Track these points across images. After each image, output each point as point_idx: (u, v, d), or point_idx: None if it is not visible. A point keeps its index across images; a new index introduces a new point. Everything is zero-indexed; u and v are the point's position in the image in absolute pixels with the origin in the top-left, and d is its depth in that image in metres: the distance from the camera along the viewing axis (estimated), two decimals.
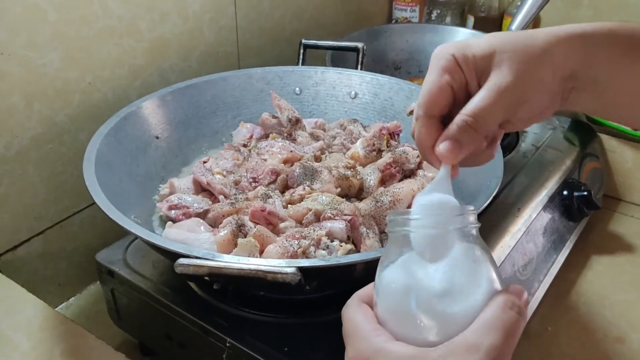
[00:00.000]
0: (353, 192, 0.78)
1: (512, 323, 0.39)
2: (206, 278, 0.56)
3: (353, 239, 0.67)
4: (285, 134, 0.88)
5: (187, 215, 0.73)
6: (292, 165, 0.80)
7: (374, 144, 0.83)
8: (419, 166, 0.82)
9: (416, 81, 1.12)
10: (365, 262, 0.56)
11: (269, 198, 0.73)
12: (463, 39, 1.16)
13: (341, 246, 0.65)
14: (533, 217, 0.89)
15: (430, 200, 0.44)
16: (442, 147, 0.45)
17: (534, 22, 1.26)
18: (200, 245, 0.65)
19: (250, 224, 0.68)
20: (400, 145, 0.85)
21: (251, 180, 0.78)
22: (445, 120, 0.47)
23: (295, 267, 0.52)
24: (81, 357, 0.65)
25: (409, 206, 0.72)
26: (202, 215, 0.73)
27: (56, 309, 0.76)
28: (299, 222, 0.71)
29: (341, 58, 1.08)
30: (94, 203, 0.62)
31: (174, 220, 0.73)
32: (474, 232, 0.43)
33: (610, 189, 1.18)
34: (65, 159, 0.86)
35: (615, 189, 1.18)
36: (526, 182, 0.96)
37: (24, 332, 0.68)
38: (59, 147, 0.84)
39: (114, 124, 0.77)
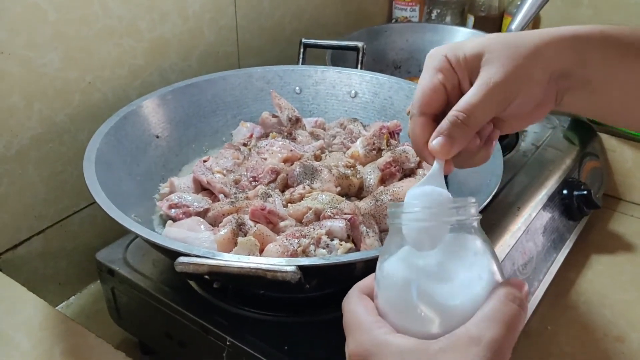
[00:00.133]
0: (353, 191, 0.78)
1: (514, 316, 0.39)
2: (206, 277, 0.56)
3: (353, 238, 0.67)
4: (286, 133, 0.88)
5: (187, 214, 0.73)
6: (292, 164, 0.80)
7: (374, 143, 0.83)
8: (419, 165, 0.82)
9: (416, 80, 1.11)
10: (365, 261, 0.56)
11: (269, 197, 0.73)
12: (463, 38, 1.17)
13: (341, 245, 0.65)
14: (533, 216, 0.89)
15: (423, 191, 0.45)
16: (434, 142, 0.46)
17: (534, 21, 1.26)
18: (201, 244, 0.65)
19: (251, 223, 0.68)
20: (400, 145, 0.85)
21: (251, 179, 0.78)
22: (440, 119, 0.48)
23: (295, 265, 0.52)
24: (81, 356, 0.65)
25: None
26: (202, 214, 0.73)
27: (56, 308, 0.76)
28: (299, 221, 0.71)
29: (341, 57, 1.08)
30: (94, 202, 0.62)
31: (174, 219, 0.73)
32: (475, 224, 0.43)
33: (610, 188, 1.18)
34: (65, 159, 0.86)
35: (615, 188, 1.18)
36: (526, 181, 0.96)
37: (24, 331, 0.68)
38: (59, 146, 0.84)
39: (114, 123, 0.77)
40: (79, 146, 0.82)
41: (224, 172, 0.80)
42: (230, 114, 0.94)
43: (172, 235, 0.68)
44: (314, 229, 0.66)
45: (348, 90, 0.98)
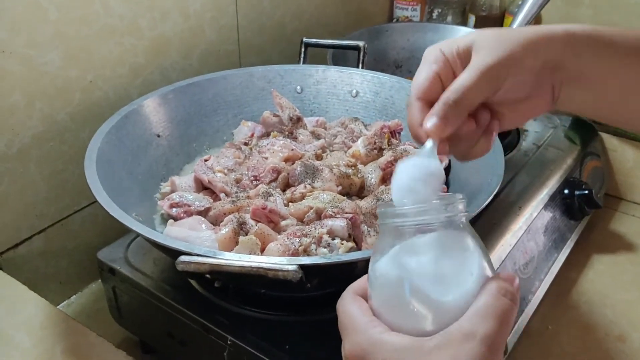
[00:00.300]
0: (354, 190, 0.78)
1: (506, 310, 0.40)
2: (207, 276, 0.56)
3: (354, 237, 0.67)
4: (287, 133, 0.88)
5: (189, 213, 0.73)
6: (293, 164, 0.80)
7: (375, 143, 0.83)
8: None
9: None
10: (367, 260, 0.56)
11: (270, 196, 0.73)
12: None
13: (342, 244, 0.65)
14: (534, 215, 0.89)
15: (414, 163, 0.47)
16: (428, 123, 0.48)
17: (535, 21, 1.26)
18: (202, 243, 0.65)
19: (252, 222, 0.68)
20: (402, 144, 0.85)
21: (252, 178, 0.78)
22: None
23: (297, 264, 0.52)
24: (82, 355, 0.65)
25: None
26: (204, 213, 0.73)
27: (57, 307, 0.76)
28: (300, 220, 0.71)
29: (342, 57, 1.08)
30: (95, 201, 0.62)
31: (175, 218, 0.73)
32: (464, 220, 0.43)
33: (611, 188, 1.18)
34: (66, 158, 0.86)
35: (616, 187, 1.18)
36: (527, 180, 0.96)
37: (25, 330, 0.68)
38: (60, 145, 0.84)
39: (115, 122, 0.77)
40: (80, 145, 0.82)
41: (225, 171, 0.80)
42: (231, 113, 0.94)
43: (173, 235, 0.68)
44: (315, 228, 0.66)
45: (349, 89, 0.97)
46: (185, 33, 0.98)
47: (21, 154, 0.80)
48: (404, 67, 1.29)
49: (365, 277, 0.46)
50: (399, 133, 0.87)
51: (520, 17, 1.01)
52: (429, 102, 0.49)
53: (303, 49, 1.01)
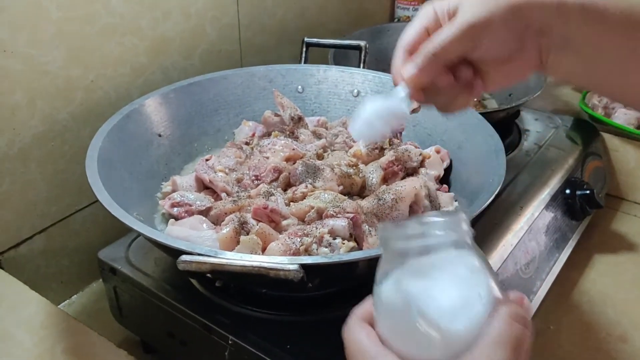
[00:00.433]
0: (355, 190, 0.78)
1: (519, 337, 0.39)
2: (208, 275, 0.56)
3: (355, 237, 0.67)
4: (288, 132, 0.88)
5: (190, 213, 0.73)
6: (294, 163, 0.80)
7: (376, 142, 0.83)
8: (422, 164, 0.82)
9: None
10: (368, 260, 0.56)
11: (271, 196, 0.73)
12: None
13: (343, 244, 0.65)
14: (535, 215, 0.89)
15: (381, 101, 0.52)
16: (405, 70, 0.52)
17: None
18: (203, 243, 0.65)
19: (253, 222, 0.68)
20: (403, 144, 0.85)
21: (253, 178, 0.78)
22: None
23: (298, 264, 0.52)
24: (83, 354, 0.65)
25: (410, 205, 0.72)
26: (205, 212, 0.73)
27: (58, 307, 0.76)
28: (302, 219, 0.71)
29: (343, 56, 1.08)
30: (96, 201, 0.62)
31: (177, 218, 0.73)
32: (469, 240, 0.42)
33: (613, 188, 1.18)
34: (67, 157, 0.86)
35: (617, 188, 1.18)
36: (529, 180, 0.96)
37: (27, 329, 0.68)
38: (61, 145, 0.84)
39: (116, 121, 0.77)
40: (82, 144, 0.82)
41: (227, 170, 0.80)
42: (232, 113, 0.94)
43: (174, 234, 0.68)
44: (317, 228, 0.66)
45: (350, 89, 0.97)
46: (187, 33, 0.98)
47: (22, 153, 0.80)
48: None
49: (369, 300, 0.45)
50: (400, 133, 0.87)
51: None
52: (413, 52, 0.53)
53: (304, 49, 1.00)
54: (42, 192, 0.84)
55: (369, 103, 0.56)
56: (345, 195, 0.75)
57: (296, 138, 0.87)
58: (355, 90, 0.97)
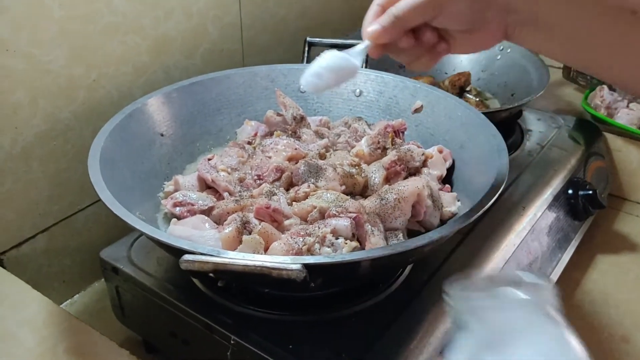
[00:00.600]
0: (358, 189, 0.78)
1: None
2: (211, 275, 0.56)
3: (358, 237, 0.67)
4: (290, 132, 0.88)
5: (192, 213, 0.72)
6: (296, 163, 0.80)
7: (378, 142, 0.83)
8: (424, 164, 0.81)
9: (420, 79, 1.11)
10: (371, 260, 0.56)
11: (273, 195, 0.73)
12: None
13: (346, 244, 0.64)
14: (538, 215, 0.89)
15: (335, 54, 0.56)
16: (369, 27, 0.56)
17: None
18: (205, 242, 0.65)
19: (255, 221, 0.68)
20: (405, 143, 0.84)
21: (256, 177, 0.78)
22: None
23: (301, 263, 0.52)
24: (85, 354, 0.65)
25: (413, 205, 0.72)
26: (207, 212, 0.73)
27: (61, 306, 0.76)
28: (304, 219, 0.71)
29: None
30: (99, 200, 0.62)
31: (179, 217, 0.73)
32: (551, 310, 0.38)
33: (615, 188, 1.18)
34: (69, 156, 0.86)
35: (620, 188, 1.18)
36: (531, 180, 0.96)
37: (29, 328, 0.68)
38: (64, 144, 0.84)
39: (118, 121, 0.77)
40: (84, 144, 0.82)
41: (229, 170, 0.80)
42: (234, 113, 0.94)
43: (176, 234, 0.68)
44: (319, 228, 0.66)
45: (353, 89, 0.97)
46: (189, 32, 0.98)
47: (24, 152, 0.80)
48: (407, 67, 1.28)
49: None
50: (403, 132, 0.87)
51: None
52: (386, 9, 0.56)
53: (306, 48, 1.00)
54: (44, 191, 0.84)
55: (323, 55, 0.60)
56: (347, 195, 0.75)
57: (298, 138, 0.87)
58: (358, 90, 0.97)
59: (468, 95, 1.22)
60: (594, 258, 1.02)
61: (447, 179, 0.83)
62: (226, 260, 0.53)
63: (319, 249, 0.63)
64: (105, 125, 0.76)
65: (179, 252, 0.55)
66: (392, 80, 0.95)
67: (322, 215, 0.69)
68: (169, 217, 0.75)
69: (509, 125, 1.12)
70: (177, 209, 0.73)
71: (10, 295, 0.72)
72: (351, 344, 0.64)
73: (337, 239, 0.65)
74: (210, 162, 0.81)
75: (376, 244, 0.65)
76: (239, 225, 0.66)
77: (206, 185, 0.79)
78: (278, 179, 0.77)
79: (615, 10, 0.47)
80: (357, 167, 0.80)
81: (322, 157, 0.84)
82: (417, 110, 0.91)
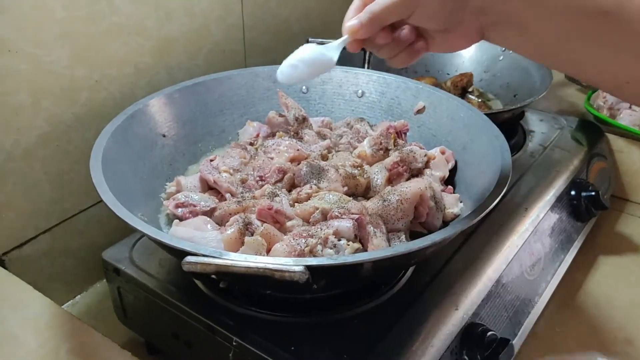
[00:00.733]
0: (360, 191, 0.78)
1: None
2: (213, 276, 0.56)
3: (360, 238, 0.67)
4: (292, 133, 0.88)
5: (194, 214, 0.72)
6: (298, 164, 0.80)
7: (381, 143, 0.83)
8: (427, 165, 0.81)
9: (423, 80, 1.11)
10: (373, 262, 0.56)
11: (275, 196, 0.73)
12: None
13: (348, 245, 0.64)
14: (541, 216, 0.88)
15: (312, 48, 0.59)
16: (349, 22, 0.58)
17: None
18: (207, 244, 0.65)
19: (257, 223, 0.68)
20: (408, 145, 0.84)
21: (258, 178, 0.78)
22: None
23: (303, 265, 0.52)
24: (87, 355, 0.65)
25: (415, 206, 0.72)
26: (209, 213, 0.72)
27: (62, 307, 0.76)
28: (306, 220, 0.71)
29: (348, 57, 1.07)
30: (101, 201, 0.62)
31: (181, 219, 0.73)
32: None
33: (618, 190, 1.17)
34: (71, 157, 0.86)
35: (622, 189, 1.18)
36: (533, 181, 0.96)
37: (31, 329, 0.68)
38: (66, 145, 0.84)
39: (120, 122, 0.77)
40: (86, 145, 0.82)
41: (231, 171, 0.79)
42: (236, 113, 0.94)
43: (178, 235, 0.68)
44: (321, 229, 0.66)
45: (355, 89, 0.97)
46: (192, 33, 0.98)
47: (27, 153, 0.80)
48: (409, 68, 1.28)
49: None
50: (405, 133, 0.87)
51: None
52: (367, 5, 0.57)
53: None
54: (47, 192, 0.84)
55: (301, 48, 0.63)
56: (349, 196, 0.75)
57: (300, 139, 0.87)
58: (360, 91, 0.97)
59: (470, 96, 1.22)
60: (596, 259, 1.02)
61: (450, 181, 0.82)
62: (229, 262, 0.53)
63: (322, 251, 0.63)
64: (107, 126, 0.76)
65: (181, 253, 0.55)
66: (394, 81, 0.95)
67: (325, 216, 0.69)
68: (171, 218, 0.75)
69: (511, 126, 1.12)
70: (179, 210, 0.73)
71: (12, 296, 0.72)
72: (353, 346, 0.64)
73: (339, 240, 0.65)
74: (212, 163, 0.81)
75: (378, 246, 0.65)
76: (241, 226, 0.66)
77: (208, 187, 0.79)
78: (280, 180, 0.77)
79: (589, 11, 0.48)
80: (359, 168, 0.80)
81: (324, 158, 0.84)
82: (419, 111, 0.91)
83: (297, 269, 0.51)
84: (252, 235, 0.66)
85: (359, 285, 0.71)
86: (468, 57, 1.27)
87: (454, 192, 0.79)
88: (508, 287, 0.79)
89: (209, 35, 1.02)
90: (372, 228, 0.67)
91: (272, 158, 0.81)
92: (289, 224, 0.69)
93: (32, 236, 0.84)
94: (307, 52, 0.62)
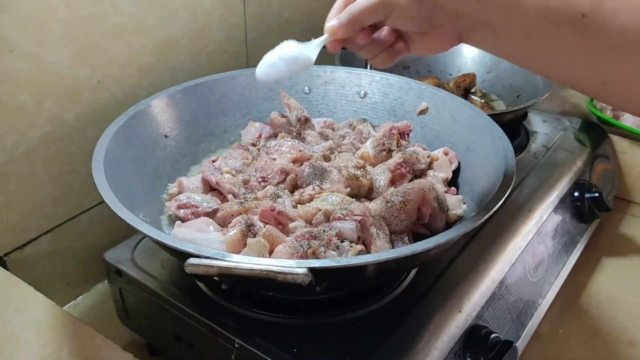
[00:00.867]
0: (363, 192, 0.78)
1: None
2: (215, 278, 0.55)
3: (363, 240, 0.66)
4: (294, 133, 0.88)
5: (196, 215, 0.72)
6: (301, 165, 0.79)
7: (384, 144, 0.83)
8: (430, 166, 0.81)
9: (425, 81, 1.11)
10: (377, 264, 0.56)
11: (278, 198, 0.72)
12: None
13: (351, 247, 0.64)
14: (544, 218, 0.88)
15: (292, 46, 0.60)
16: (329, 22, 0.59)
17: None
18: (209, 245, 0.65)
19: (260, 224, 0.68)
20: (411, 145, 0.84)
21: (260, 179, 0.78)
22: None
23: (307, 267, 0.51)
24: (89, 356, 0.65)
25: (418, 207, 0.71)
26: (211, 214, 0.72)
27: (64, 308, 0.76)
28: (309, 222, 0.70)
29: (350, 57, 1.07)
30: (102, 202, 0.62)
31: (183, 220, 0.72)
32: None
33: (621, 191, 1.17)
34: (74, 158, 0.85)
35: (625, 190, 1.17)
36: (537, 183, 0.95)
37: (32, 330, 0.67)
38: (68, 145, 0.84)
39: (123, 122, 0.77)
40: (88, 145, 0.81)
41: (233, 172, 0.79)
42: (239, 114, 0.94)
43: (180, 236, 0.67)
44: (324, 231, 0.65)
45: (357, 90, 0.97)
46: (194, 33, 0.98)
47: (29, 154, 0.79)
48: (412, 68, 1.28)
49: None
50: (408, 134, 0.86)
51: None
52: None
53: None
54: (48, 192, 0.84)
55: (281, 45, 0.64)
56: (352, 197, 0.75)
57: (303, 139, 0.86)
58: (362, 92, 0.97)
59: (473, 96, 1.21)
60: (599, 261, 1.01)
61: (453, 182, 0.82)
62: (231, 265, 0.53)
63: (324, 252, 0.63)
64: (110, 126, 0.76)
65: (183, 255, 0.54)
66: (397, 82, 0.94)
67: (327, 217, 0.69)
68: (173, 219, 0.74)
69: (514, 127, 1.11)
70: (181, 211, 0.73)
71: (13, 297, 0.72)
72: (356, 348, 0.64)
73: (342, 242, 0.64)
74: (214, 163, 0.80)
75: (382, 248, 0.65)
76: (244, 227, 0.66)
77: (210, 187, 0.79)
78: (283, 181, 0.77)
79: (566, 14, 0.48)
80: (362, 170, 0.79)
81: (326, 159, 0.84)
82: (422, 112, 0.91)
83: (300, 271, 0.51)
84: (254, 236, 0.65)
85: (362, 287, 0.71)
86: (471, 58, 1.27)
87: (457, 194, 0.79)
88: (511, 288, 0.78)
89: (211, 35, 1.01)
90: (375, 230, 0.67)
91: (274, 159, 0.81)
92: (291, 225, 0.69)
93: (33, 237, 0.84)
94: (286, 50, 0.64)
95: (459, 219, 0.74)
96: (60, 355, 0.65)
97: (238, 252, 0.63)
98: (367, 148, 0.83)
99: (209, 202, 0.74)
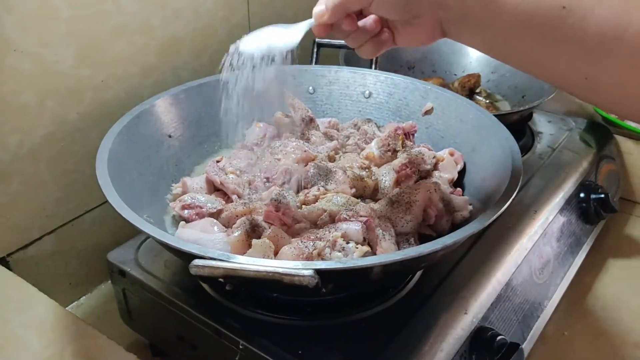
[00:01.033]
0: (368, 193, 0.77)
1: None
2: (220, 279, 0.55)
3: (369, 241, 0.66)
4: (299, 134, 0.87)
5: (200, 215, 0.72)
6: (306, 165, 0.79)
7: (389, 144, 0.82)
8: (435, 167, 0.80)
9: (430, 81, 1.10)
10: (383, 265, 0.55)
11: (283, 198, 0.72)
12: None
13: (357, 248, 0.64)
14: (550, 219, 0.88)
15: (280, 26, 0.63)
16: (316, 7, 0.60)
17: None
18: (214, 246, 0.65)
19: (264, 225, 0.67)
20: (416, 146, 0.83)
21: (265, 180, 0.77)
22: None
23: (313, 269, 0.51)
24: (92, 357, 0.65)
25: (424, 208, 0.71)
26: (216, 215, 0.72)
27: (67, 308, 0.76)
28: (314, 223, 0.70)
29: (355, 57, 1.06)
30: (106, 202, 0.61)
31: (187, 220, 0.72)
32: None
33: (627, 192, 1.16)
34: (77, 158, 0.85)
35: (631, 191, 1.17)
36: (542, 184, 0.95)
37: (35, 331, 0.67)
38: (71, 145, 0.84)
39: (126, 122, 0.77)
40: (91, 145, 0.81)
41: (237, 172, 0.79)
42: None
43: (184, 237, 0.67)
44: (330, 232, 0.65)
45: (362, 90, 0.96)
46: (197, 33, 0.97)
47: (32, 154, 0.79)
48: (417, 68, 1.27)
49: None
50: (413, 135, 0.86)
51: None
52: None
53: (315, 50, 0.99)
54: (52, 192, 0.84)
55: (266, 28, 0.66)
56: (357, 198, 0.74)
57: (307, 140, 0.86)
58: (367, 92, 0.96)
59: (478, 97, 1.21)
60: (605, 262, 1.01)
61: (459, 183, 0.82)
62: (237, 266, 0.52)
63: (330, 254, 0.62)
64: (113, 126, 0.75)
65: (188, 256, 0.54)
66: (402, 82, 0.94)
67: (333, 219, 0.68)
68: (177, 219, 0.74)
69: (519, 127, 1.11)
70: (185, 211, 0.72)
71: (16, 297, 0.72)
72: (361, 349, 0.63)
73: (348, 243, 0.64)
74: (218, 164, 0.80)
75: (387, 249, 0.64)
76: (248, 228, 0.66)
77: (214, 188, 0.78)
78: (287, 182, 0.77)
79: (547, 5, 0.48)
80: (367, 170, 0.79)
81: (331, 159, 0.83)
82: (427, 112, 0.90)
83: (306, 273, 0.51)
84: (259, 237, 0.65)
85: (367, 288, 0.70)
86: (475, 58, 1.26)
87: (463, 195, 0.79)
88: (517, 290, 0.78)
89: (214, 35, 1.01)
90: (380, 231, 0.66)
91: (279, 159, 0.80)
92: (296, 226, 0.69)
93: (36, 237, 0.84)
94: (270, 32, 0.66)
95: (465, 220, 0.73)
96: (63, 355, 0.64)
97: (242, 253, 0.62)
98: (372, 148, 0.83)
99: (213, 202, 0.73)
